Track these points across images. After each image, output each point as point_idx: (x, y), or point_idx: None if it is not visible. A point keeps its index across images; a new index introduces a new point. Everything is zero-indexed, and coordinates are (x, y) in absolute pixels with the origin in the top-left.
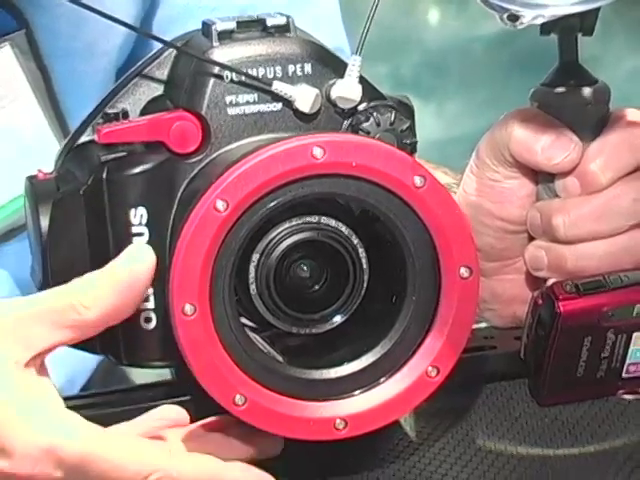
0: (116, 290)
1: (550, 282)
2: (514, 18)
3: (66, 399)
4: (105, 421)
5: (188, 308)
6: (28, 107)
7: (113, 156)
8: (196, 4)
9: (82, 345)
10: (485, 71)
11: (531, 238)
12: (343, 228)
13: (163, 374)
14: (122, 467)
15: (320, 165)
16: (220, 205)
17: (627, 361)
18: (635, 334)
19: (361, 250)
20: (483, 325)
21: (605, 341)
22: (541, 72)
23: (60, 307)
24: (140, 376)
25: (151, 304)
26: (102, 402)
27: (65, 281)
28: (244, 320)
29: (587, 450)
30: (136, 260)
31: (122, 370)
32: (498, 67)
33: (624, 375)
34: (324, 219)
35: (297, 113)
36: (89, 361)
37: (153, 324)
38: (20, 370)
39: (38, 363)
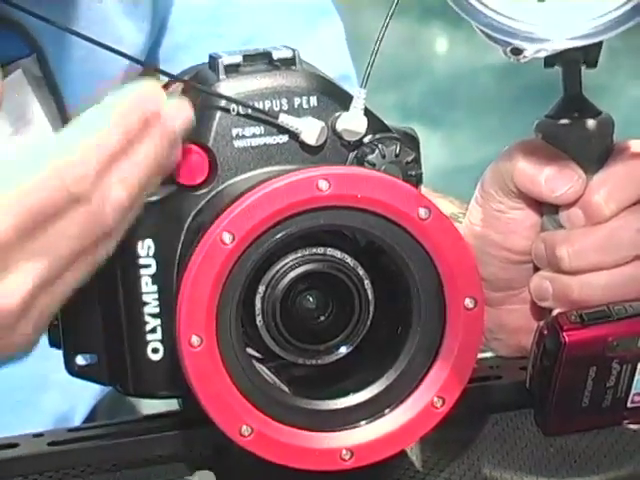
0: None
1: (555, 312)
2: (517, 52)
3: (75, 430)
4: (114, 452)
5: (195, 339)
6: (41, 131)
7: None
8: (202, 32)
9: (90, 376)
10: (493, 101)
11: (536, 268)
12: (349, 259)
13: (171, 404)
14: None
15: (325, 197)
16: (226, 238)
17: (632, 391)
18: None
19: (367, 281)
20: (489, 355)
21: (610, 371)
22: (549, 102)
23: None
24: (148, 406)
25: (158, 335)
26: (111, 433)
27: (72, 311)
28: (250, 350)
29: None
30: None
31: (129, 400)
32: (506, 97)
33: (629, 405)
34: (330, 251)
35: (303, 146)
36: (91, 390)
37: (160, 355)
38: None
39: None
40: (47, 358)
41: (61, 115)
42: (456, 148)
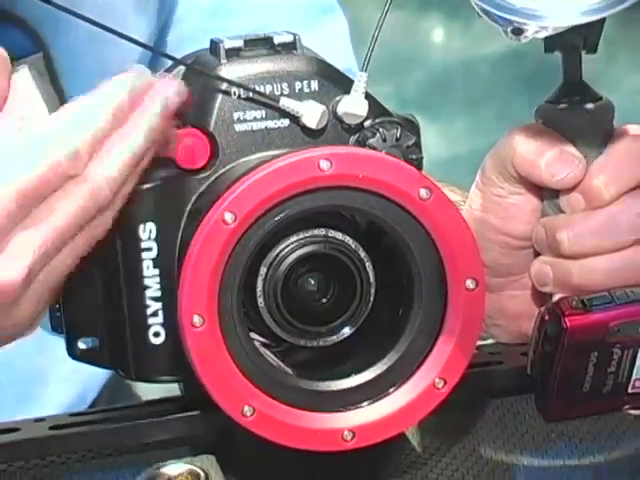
0: None
1: (556, 298)
2: (518, 32)
3: (76, 415)
4: (116, 437)
5: (197, 319)
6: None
7: None
8: (207, 25)
9: (92, 360)
10: (490, 90)
11: (537, 254)
12: (350, 241)
13: (171, 389)
14: None
15: (327, 177)
16: (228, 217)
17: (633, 376)
18: None
19: (368, 263)
20: (489, 341)
21: (611, 357)
22: (545, 91)
23: None
24: (148, 392)
25: (160, 319)
26: (113, 417)
27: (75, 293)
28: (254, 335)
29: (593, 465)
30: None
31: (130, 387)
32: (503, 86)
33: (630, 390)
34: (331, 232)
35: (304, 129)
36: (99, 377)
37: (162, 339)
38: None
39: None
40: (43, 352)
41: None
42: (452, 138)
